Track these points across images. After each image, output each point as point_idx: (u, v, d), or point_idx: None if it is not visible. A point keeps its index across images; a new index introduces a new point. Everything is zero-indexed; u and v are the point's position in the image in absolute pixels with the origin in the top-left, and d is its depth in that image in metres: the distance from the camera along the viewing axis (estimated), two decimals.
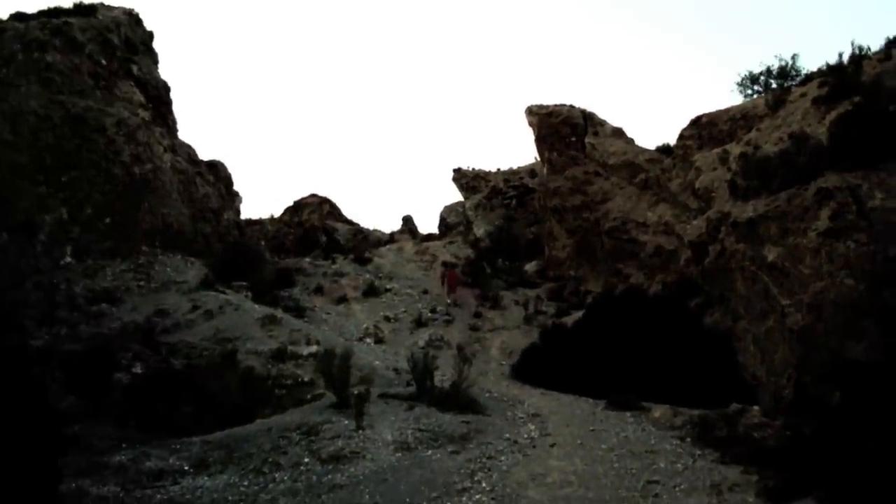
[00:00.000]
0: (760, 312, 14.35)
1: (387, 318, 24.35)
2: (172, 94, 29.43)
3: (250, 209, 64.80)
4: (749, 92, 24.82)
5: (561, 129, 29.57)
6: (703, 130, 23.34)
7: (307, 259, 31.34)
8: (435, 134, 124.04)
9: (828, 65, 18.73)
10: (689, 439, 12.73)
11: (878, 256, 12.21)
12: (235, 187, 33.08)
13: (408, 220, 39.60)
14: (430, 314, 24.85)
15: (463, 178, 40.19)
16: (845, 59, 17.93)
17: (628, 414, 14.57)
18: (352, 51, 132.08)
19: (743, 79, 25.14)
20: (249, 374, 16.84)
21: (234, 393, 15.88)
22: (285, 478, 11.21)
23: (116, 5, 28.46)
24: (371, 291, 26.72)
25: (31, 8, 47.95)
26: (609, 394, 15.36)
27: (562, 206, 28.59)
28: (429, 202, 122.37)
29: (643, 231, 24.74)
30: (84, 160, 23.57)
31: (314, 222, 38.92)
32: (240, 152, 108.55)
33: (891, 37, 18.22)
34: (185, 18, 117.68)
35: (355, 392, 14.40)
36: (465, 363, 15.47)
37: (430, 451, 12.14)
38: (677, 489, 10.45)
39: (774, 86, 23.33)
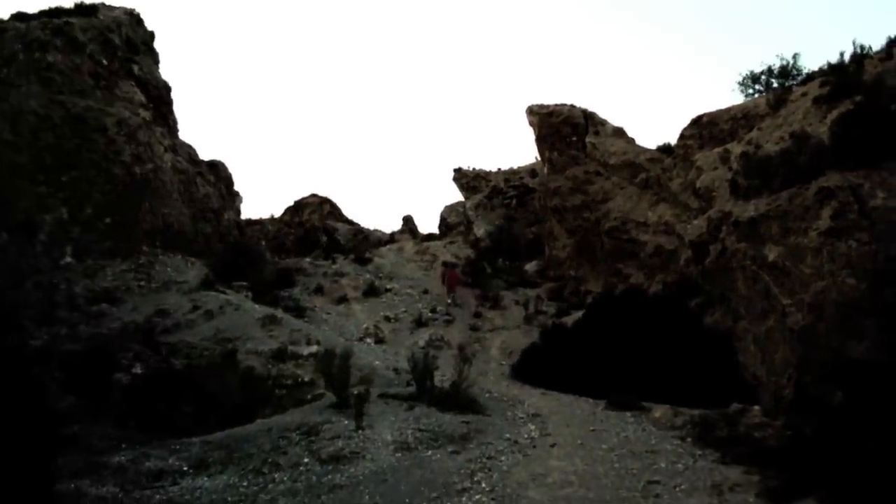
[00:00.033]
0: (761, 312, 14.32)
1: (387, 318, 24.33)
2: (173, 94, 29.49)
3: (251, 209, 64.97)
4: (750, 91, 24.78)
5: (562, 128, 29.55)
6: (704, 130, 23.31)
7: (307, 259, 31.33)
8: (435, 134, 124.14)
9: (829, 64, 18.69)
10: (689, 439, 12.69)
11: (879, 256, 12.17)
12: (236, 187, 33.14)
13: (408, 220, 39.60)
14: (430, 314, 24.83)
15: (463, 178, 40.19)
16: (846, 58, 17.90)
17: (629, 414, 14.53)
18: (352, 51, 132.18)
19: (744, 78, 25.10)
20: (250, 375, 16.82)
21: (235, 393, 15.85)
22: (285, 478, 11.19)
23: (117, 5, 28.46)
24: (371, 291, 26.70)
25: (32, 8, 48.03)
26: (609, 394, 15.32)
27: (562, 206, 28.56)
28: (429, 202, 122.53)
29: (643, 231, 24.71)
30: (84, 160, 23.56)
31: (315, 222, 38.93)
32: (240, 152, 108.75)
33: (892, 36, 18.18)
34: (185, 18, 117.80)
35: (355, 392, 14.37)
36: (466, 363, 15.44)
37: (430, 452, 12.11)
38: (678, 489, 10.42)
39: (775, 85, 23.27)
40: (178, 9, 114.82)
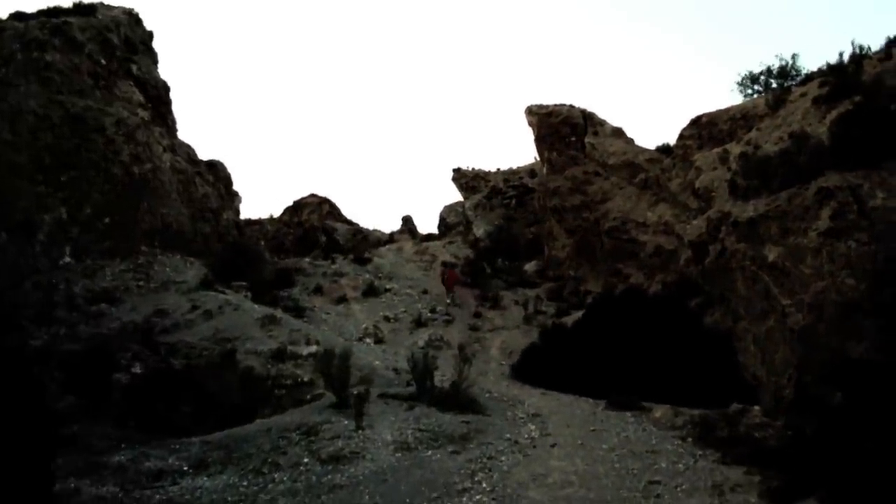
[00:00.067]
0: (761, 312, 14.33)
1: (386, 318, 24.32)
2: (172, 94, 29.46)
3: (250, 209, 64.84)
4: (749, 91, 24.81)
5: (561, 128, 29.55)
6: (703, 130, 23.33)
7: (307, 259, 31.31)
8: (435, 134, 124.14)
9: (828, 64, 18.72)
10: (690, 439, 12.70)
11: (879, 256, 12.18)
12: (235, 187, 33.07)
13: (407, 220, 39.59)
14: (429, 314, 24.82)
15: (462, 178, 40.17)
16: (846, 58, 17.92)
17: (629, 414, 14.54)
18: (352, 51, 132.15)
19: (743, 78, 25.13)
20: (249, 375, 16.81)
21: (234, 393, 15.84)
22: (285, 478, 11.18)
23: (116, 5, 28.45)
24: (371, 291, 26.69)
25: (30, 7, 48.00)
26: (609, 394, 15.33)
27: (561, 206, 28.56)
28: (428, 202, 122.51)
29: (643, 231, 24.72)
30: (83, 160, 23.53)
31: (314, 222, 38.91)
32: (239, 152, 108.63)
33: (891, 36, 18.20)
34: (185, 18, 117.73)
35: (355, 392, 14.35)
36: (465, 363, 15.43)
37: (430, 452, 12.11)
38: (679, 489, 10.42)
39: (775, 85, 23.31)
40: (178, 9, 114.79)
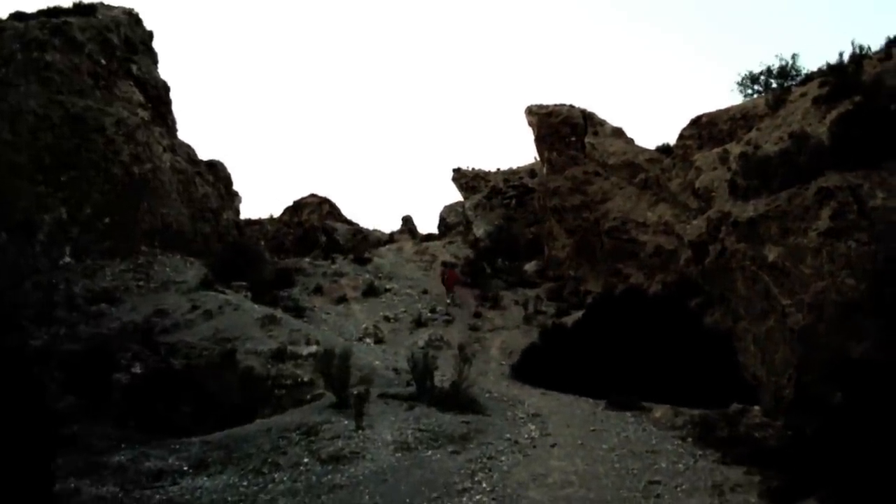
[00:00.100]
0: (761, 312, 14.33)
1: (386, 318, 24.32)
2: (172, 94, 29.46)
3: (250, 209, 64.84)
4: (749, 91, 24.80)
5: (561, 128, 29.55)
6: (703, 130, 23.32)
7: (307, 259, 31.31)
8: (435, 134, 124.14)
9: (828, 64, 18.72)
10: (690, 439, 12.70)
11: (879, 256, 12.19)
12: (235, 187, 33.07)
13: (407, 220, 39.59)
14: (429, 314, 24.81)
15: (462, 178, 40.17)
16: (846, 58, 17.92)
17: (629, 414, 14.54)
18: (351, 51, 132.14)
19: (743, 78, 25.12)
20: (249, 375, 16.81)
21: (234, 393, 15.84)
22: (285, 478, 11.18)
23: (116, 5, 28.45)
24: (371, 291, 26.69)
25: (30, 7, 47.99)
26: (609, 394, 15.33)
27: (561, 206, 28.56)
28: (428, 202, 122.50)
29: (643, 231, 24.71)
30: (83, 160, 23.53)
31: (314, 222, 38.90)
32: (239, 152, 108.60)
33: (891, 36, 18.20)
34: (185, 18, 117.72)
35: (355, 392, 14.35)
36: (465, 363, 15.43)
37: (430, 452, 12.11)
38: (679, 489, 10.42)
39: (774, 85, 23.30)
40: (178, 9, 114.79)
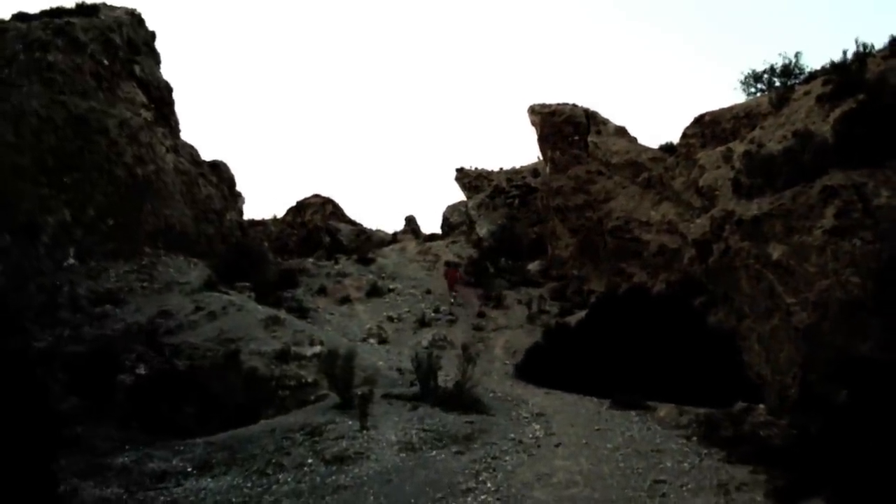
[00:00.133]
0: (765, 311, 14.28)
1: (390, 319, 24.31)
2: (175, 95, 29.48)
3: (253, 210, 64.80)
4: (752, 90, 24.70)
5: (564, 128, 29.53)
6: (707, 129, 23.29)
7: (310, 260, 31.34)
8: (438, 134, 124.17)
9: (832, 62, 18.69)
10: (694, 438, 12.66)
11: (883, 254, 12.14)
12: (238, 188, 33.09)
13: (411, 220, 39.61)
14: (433, 314, 24.81)
15: (466, 178, 40.18)
16: (849, 56, 17.87)
17: (633, 413, 14.50)
18: (355, 51, 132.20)
19: (746, 77, 24.99)
20: (253, 375, 16.80)
21: (238, 394, 15.83)
22: (289, 479, 11.17)
23: (119, 5, 28.46)
24: (374, 292, 26.69)
25: (33, 8, 47.99)
26: (613, 393, 15.29)
27: (565, 206, 28.53)
28: (432, 202, 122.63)
29: (646, 230, 24.67)
30: (86, 161, 23.54)
31: (317, 223, 38.93)
32: (242, 153, 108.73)
33: (895, 34, 18.16)
34: (186, 18, 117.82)
35: (359, 392, 14.35)
36: (469, 363, 15.40)
37: (434, 452, 12.09)
38: (684, 489, 10.39)
39: (778, 84, 23.21)
40: (179, 9, 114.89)
